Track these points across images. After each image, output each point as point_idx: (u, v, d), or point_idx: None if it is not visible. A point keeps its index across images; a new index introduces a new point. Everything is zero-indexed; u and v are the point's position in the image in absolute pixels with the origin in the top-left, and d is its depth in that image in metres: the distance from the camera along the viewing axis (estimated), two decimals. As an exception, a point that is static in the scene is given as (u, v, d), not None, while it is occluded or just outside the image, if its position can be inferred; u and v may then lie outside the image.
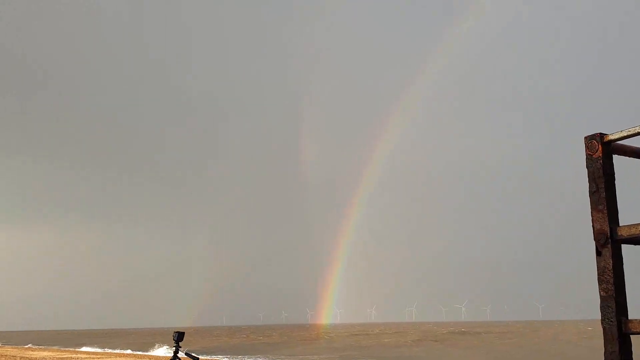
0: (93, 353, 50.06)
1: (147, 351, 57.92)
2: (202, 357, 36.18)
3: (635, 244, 3.31)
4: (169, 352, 45.06)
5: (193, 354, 6.43)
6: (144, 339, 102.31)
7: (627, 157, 3.35)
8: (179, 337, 5.87)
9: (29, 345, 74.48)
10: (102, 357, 41.02)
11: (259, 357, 50.95)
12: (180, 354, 6.04)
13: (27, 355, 42.36)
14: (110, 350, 60.41)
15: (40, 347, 71.17)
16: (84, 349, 64.61)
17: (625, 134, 3.22)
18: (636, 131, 3.21)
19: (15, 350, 56.48)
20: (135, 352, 55.78)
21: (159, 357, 43.53)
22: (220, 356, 50.51)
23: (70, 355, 43.31)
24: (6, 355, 41.57)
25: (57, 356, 41.57)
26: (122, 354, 51.78)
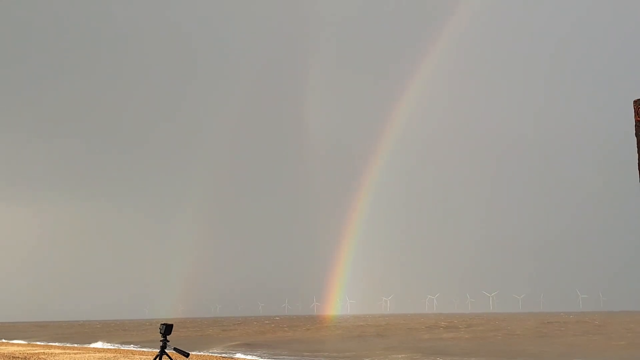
0: (67, 347, 50.65)
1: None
2: (193, 353, 36.43)
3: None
4: (110, 346, 44.77)
5: (182, 350, 6.44)
6: (127, 336, 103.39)
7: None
8: (166, 329, 5.87)
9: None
10: (80, 353, 41.49)
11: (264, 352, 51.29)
12: (168, 350, 6.05)
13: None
14: (97, 345, 61.05)
15: (9, 341, 71.93)
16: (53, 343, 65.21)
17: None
18: (693, 93, 3.17)
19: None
20: (119, 347, 56.29)
21: (145, 351, 43.92)
22: (219, 351, 50.95)
23: (42, 351, 43.79)
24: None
25: (27, 352, 42.03)
26: (102, 348, 52.34)
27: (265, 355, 48.18)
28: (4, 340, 72.25)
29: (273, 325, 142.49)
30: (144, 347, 55.60)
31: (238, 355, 46.44)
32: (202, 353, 46.17)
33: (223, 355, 46.05)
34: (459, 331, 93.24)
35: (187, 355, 6.22)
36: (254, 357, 43.85)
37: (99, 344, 64.06)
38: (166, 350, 5.86)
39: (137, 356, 37.98)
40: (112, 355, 40.14)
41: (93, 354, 40.40)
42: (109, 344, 64.50)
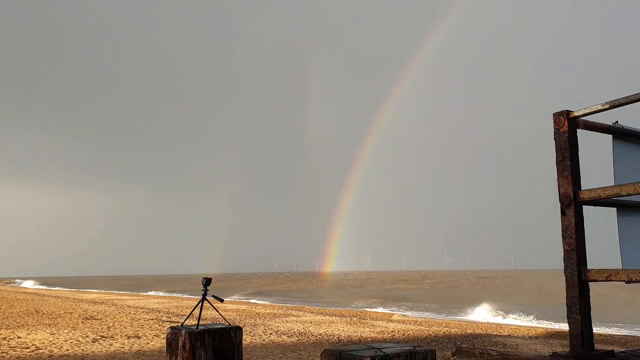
0: (133, 295, 51.08)
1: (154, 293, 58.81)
2: (226, 299, 36.82)
3: (594, 205, 3.33)
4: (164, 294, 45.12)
5: (218, 296, 6.53)
6: (171, 286, 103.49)
7: (589, 131, 3.35)
8: (207, 282, 5.95)
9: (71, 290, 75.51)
10: (143, 299, 41.71)
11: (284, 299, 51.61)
12: (208, 296, 6.15)
13: (80, 297, 43.13)
14: (152, 294, 61.35)
15: (90, 290, 72.34)
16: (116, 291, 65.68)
17: (588, 111, 3.22)
18: (597, 108, 3.21)
19: (68, 292, 57.45)
20: (169, 295, 56.64)
21: (190, 297, 44.26)
22: (248, 298, 51.30)
23: (115, 297, 44.06)
24: (62, 297, 42.35)
25: (104, 298, 42.30)
26: (158, 295, 52.68)
27: (269, 300, 48.98)
28: (87, 290, 72.63)
29: (283, 279, 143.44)
30: (191, 295, 55.98)
31: (252, 300, 47.15)
32: (226, 299, 46.64)
33: (241, 299, 46.75)
34: (417, 283, 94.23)
35: (222, 300, 6.28)
36: (260, 301, 44.39)
37: (156, 293, 64.52)
38: (206, 297, 5.92)
39: (185, 301, 38.18)
40: (167, 300, 40.38)
41: (152, 299, 40.63)
42: (163, 292, 64.95)
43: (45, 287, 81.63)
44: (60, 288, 78.91)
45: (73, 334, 16.07)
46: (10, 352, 12.41)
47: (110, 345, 13.89)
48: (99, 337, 15.34)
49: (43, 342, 14.09)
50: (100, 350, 13.00)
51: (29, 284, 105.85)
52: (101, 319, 21.67)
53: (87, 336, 15.53)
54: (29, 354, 12.19)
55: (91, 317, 22.46)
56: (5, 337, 14.90)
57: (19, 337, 14.99)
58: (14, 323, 19.23)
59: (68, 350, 12.84)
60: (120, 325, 18.93)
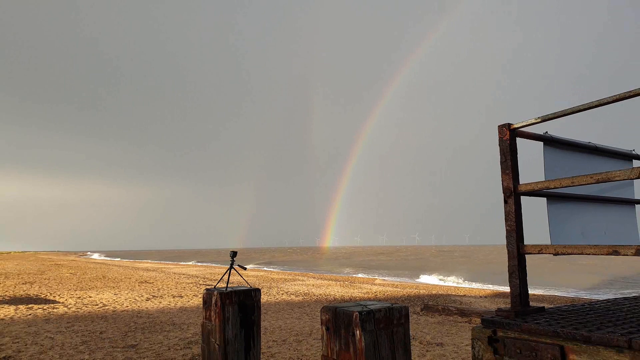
0: (177, 264, 51.14)
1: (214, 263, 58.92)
2: (248, 267, 36.82)
3: (529, 196, 3.34)
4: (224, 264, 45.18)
5: (242, 265, 6.54)
6: (210, 257, 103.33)
7: (525, 139, 3.37)
8: (234, 254, 5.95)
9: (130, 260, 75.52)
10: (185, 267, 41.75)
11: (295, 268, 51.57)
12: (235, 265, 6.15)
13: (136, 266, 43.14)
14: (191, 263, 61.34)
15: (142, 260, 72.35)
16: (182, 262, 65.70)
17: (525, 124, 3.24)
18: (532, 122, 3.22)
19: (127, 262, 57.51)
20: (205, 264, 56.65)
21: (220, 267, 44.29)
22: (265, 267, 51.28)
23: (163, 266, 44.06)
24: (123, 266, 42.37)
25: (155, 267, 42.29)
26: (197, 265, 52.71)
27: (280, 268, 48.84)
28: (142, 260, 72.59)
29: (291, 252, 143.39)
30: (221, 265, 55.91)
31: (267, 268, 46.98)
32: (248, 267, 46.60)
33: (259, 268, 46.60)
34: (393, 256, 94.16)
35: (245, 268, 6.29)
36: (273, 269, 44.21)
37: (194, 263, 64.41)
38: (233, 266, 5.92)
39: (216, 269, 38.18)
40: (203, 268, 40.42)
41: (192, 268, 40.69)
42: (200, 263, 64.81)
43: (109, 259, 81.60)
44: (121, 259, 78.86)
45: (131, 294, 16.09)
46: (83, 308, 12.44)
47: (160, 302, 13.91)
48: (151, 297, 15.36)
49: (108, 300, 14.11)
50: (152, 306, 13.03)
51: (97, 256, 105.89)
52: (153, 282, 21.69)
53: (142, 296, 15.55)
54: (98, 310, 12.22)
55: (145, 281, 22.48)
56: (80, 297, 14.93)
57: (90, 297, 15.01)
58: (86, 286, 19.26)
59: (127, 307, 12.86)
60: (168, 288, 18.94)
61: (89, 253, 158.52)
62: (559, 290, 23.86)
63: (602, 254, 2.77)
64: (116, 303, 13.53)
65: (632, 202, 3.93)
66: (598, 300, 4.04)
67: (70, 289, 17.46)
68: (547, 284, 27.39)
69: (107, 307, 12.73)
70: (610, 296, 21.28)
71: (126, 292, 16.83)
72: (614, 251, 2.69)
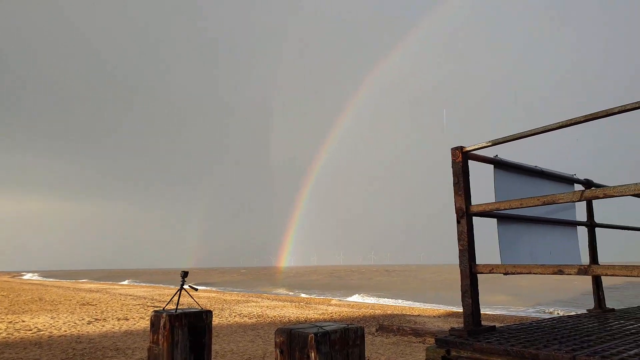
0: (124, 285, 48.92)
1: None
2: (200, 288, 35.80)
3: (481, 216, 3.47)
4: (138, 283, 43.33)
5: (194, 286, 6.38)
6: (158, 277, 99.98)
7: (477, 162, 3.52)
8: (184, 274, 5.80)
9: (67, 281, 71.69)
10: (132, 288, 40.03)
11: (243, 289, 50.56)
12: (185, 286, 5.99)
13: (78, 287, 40.97)
14: (141, 283, 58.82)
15: (82, 280, 68.74)
16: (123, 282, 62.70)
17: (476, 147, 3.39)
18: (483, 145, 3.37)
19: (69, 283, 54.47)
20: (154, 285, 54.55)
21: (170, 287, 42.77)
22: (217, 287, 49.99)
23: (108, 287, 42.09)
24: (62, 287, 40.11)
25: (99, 287, 40.34)
26: (150, 286, 50.63)
27: (234, 289, 47.78)
28: (84, 280, 68.93)
29: (245, 272, 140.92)
30: (171, 285, 54.02)
31: (220, 289, 45.81)
32: (199, 288, 45.26)
33: (212, 289, 45.40)
34: (349, 275, 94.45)
35: (196, 289, 6.13)
36: (226, 290, 43.28)
37: (143, 283, 61.77)
38: (183, 287, 5.77)
39: (166, 290, 36.87)
40: (151, 289, 38.88)
41: (140, 288, 39.05)
42: (148, 283, 62.19)
43: (47, 279, 77.13)
44: (61, 280, 74.73)
45: (71, 317, 15.24)
46: (15, 334, 11.64)
47: (103, 326, 13.25)
48: (93, 320, 14.61)
49: (44, 325, 13.29)
50: (94, 330, 12.38)
51: (33, 276, 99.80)
52: (96, 304, 20.66)
53: (83, 319, 14.76)
54: (31, 335, 11.47)
55: (87, 303, 21.38)
56: (12, 322, 13.98)
57: (23, 321, 14.09)
58: (19, 309, 18.07)
59: (66, 331, 12.16)
60: (112, 310, 18.10)
61: (23, 273, 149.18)
62: (509, 310, 24.68)
63: (548, 273, 2.91)
64: (53, 327, 12.76)
65: (574, 224, 4.18)
66: (544, 319, 4.22)
67: (0, 313, 16.32)
68: (498, 304, 28.28)
69: (42, 332, 11.98)
70: (555, 315, 22.24)
71: (65, 315, 15.92)
72: (559, 270, 2.84)
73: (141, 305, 20.55)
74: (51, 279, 77.73)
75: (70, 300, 23.37)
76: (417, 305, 27.88)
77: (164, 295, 28.69)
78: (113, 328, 12.84)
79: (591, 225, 4.66)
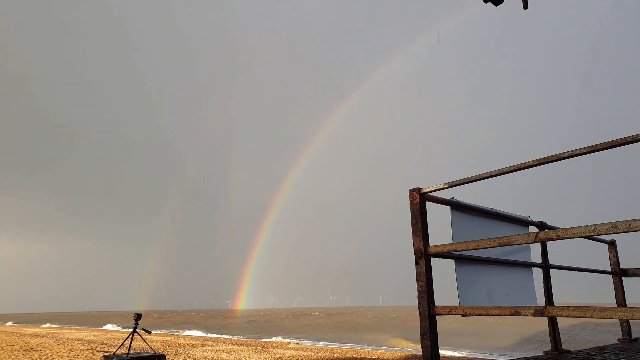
0: (72, 329, 45.71)
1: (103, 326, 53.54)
2: (153, 332, 33.92)
3: (439, 257, 3.47)
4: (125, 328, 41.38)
5: (147, 329, 6.00)
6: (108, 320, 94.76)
7: (434, 203, 3.55)
8: (138, 317, 5.46)
9: (9, 324, 66.74)
10: (80, 332, 37.46)
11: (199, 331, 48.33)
12: (138, 329, 5.63)
13: (22, 331, 37.98)
14: (88, 327, 55.20)
15: (26, 325, 63.96)
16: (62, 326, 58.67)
17: (434, 189, 3.43)
18: (440, 187, 3.42)
19: (11, 327, 50.51)
20: (105, 328, 51.40)
21: (122, 331, 40.35)
22: (171, 331, 47.60)
23: (54, 331, 39.26)
24: (5, 331, 37.09)
25: (45, 332, 37.57)
26: (95, 329, 47.55)
27: (188, 332, 45.72)
28: (28, 325, 64.14)
29: (201, 315, 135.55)
30: (123, 328, 51.08)
31: (174, 332, 43.68)
32: (153, 331, 42.98)
33: (166, 332, 43.14)
34: (307, 318, 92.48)
35: (149, 332, 5.78)
36: (181, 333, 41.30)
37: (92, 327, 58.06)
38: (137, 330, 5.42)
39: (117, 334, 34.76)
40: (102, 332, 36.53)
41: (89, 332, 36.59)
42: (97, 327, 58.63)
43: (-12, 323, 71.40)
44: (3, 323, 69.31)
45: (11, 364, 14.00)
46: (-54, 383, 10.54)
47: (45, 374, 12.21)
48: (35, 367, 13.46)
49: (-19, 373, 12.13)
50: (35, 379, 11.38)
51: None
52: (40, 350, 19.14)
53: (24, 366, 13.58)
54: (-34, 384, 10.41)
55: (32, 349, 19.78)
56: (-56, 369, 12.69)
57: (-42, 369, 12.82)
58: (-46, 356, 16.48)
59: (4, 379, 11.11)
60: (58, 356, 16.79)
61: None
62: (467, 352, 24.65)
63: (505, 314, 2.91)
64: (-10, 376, 11.67)
65: (529, 265, 4.25)
66: (502, 361, 4.19)
67: None
68: (457, 345, 28.24)
69: (-23, 381, 10.92)
70: (514, 357, 22.35)
71: (5, 362, 14.65)
72: (516, 312, 2.83)
73: (90, 350, 19.22)
74: (-8, 323, 72.00)
75: (13, 346, 21.60)
76: (377, 348, 27.43)
77: (115, 340, 27.02)
78: (56, 376, 11.87)
79: (546, 266, 4.76)
